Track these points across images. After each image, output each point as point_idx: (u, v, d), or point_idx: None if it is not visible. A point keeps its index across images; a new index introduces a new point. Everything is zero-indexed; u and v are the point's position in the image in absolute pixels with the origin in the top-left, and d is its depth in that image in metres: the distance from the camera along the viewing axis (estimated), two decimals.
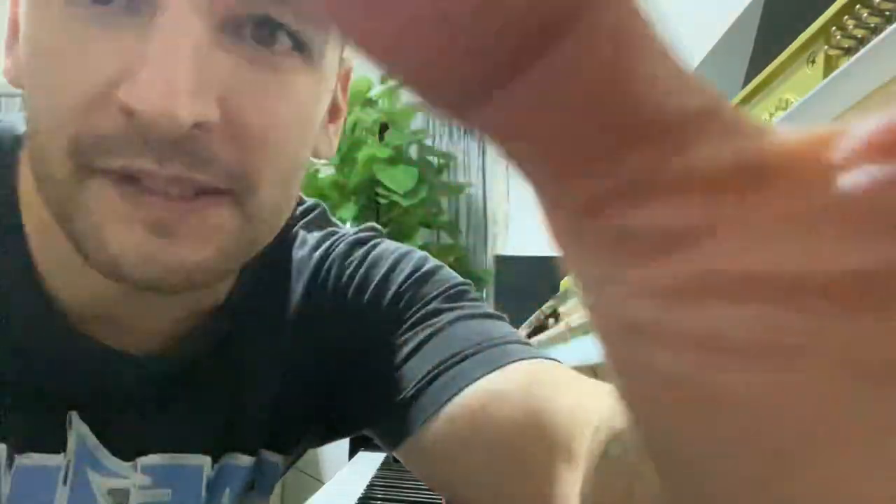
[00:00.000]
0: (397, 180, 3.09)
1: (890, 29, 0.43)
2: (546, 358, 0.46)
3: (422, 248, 2.90)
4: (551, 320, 1.53)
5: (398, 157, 3.25)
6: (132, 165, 0.34)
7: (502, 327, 0.49)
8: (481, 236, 3.97)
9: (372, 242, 0.54)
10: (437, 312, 0.49)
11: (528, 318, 1.64)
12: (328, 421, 0.55)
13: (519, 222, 2.89)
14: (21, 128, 0.44)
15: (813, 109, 0.53)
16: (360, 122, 3.26)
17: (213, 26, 0.34)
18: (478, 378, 0.44)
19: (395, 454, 0.50)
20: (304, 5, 0.35)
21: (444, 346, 0.47)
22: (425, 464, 0.48)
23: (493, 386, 0.44)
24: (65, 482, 0.44)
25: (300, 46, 0.37)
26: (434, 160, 3.61)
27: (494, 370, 0.44)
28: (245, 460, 0.51)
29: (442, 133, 4.07)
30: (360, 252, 0.53)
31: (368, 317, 0.51)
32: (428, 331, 0.48)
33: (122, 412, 0.46)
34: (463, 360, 0.46)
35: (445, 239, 3.66)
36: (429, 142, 3.87)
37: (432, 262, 0.53)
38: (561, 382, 0.42)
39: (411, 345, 0.48)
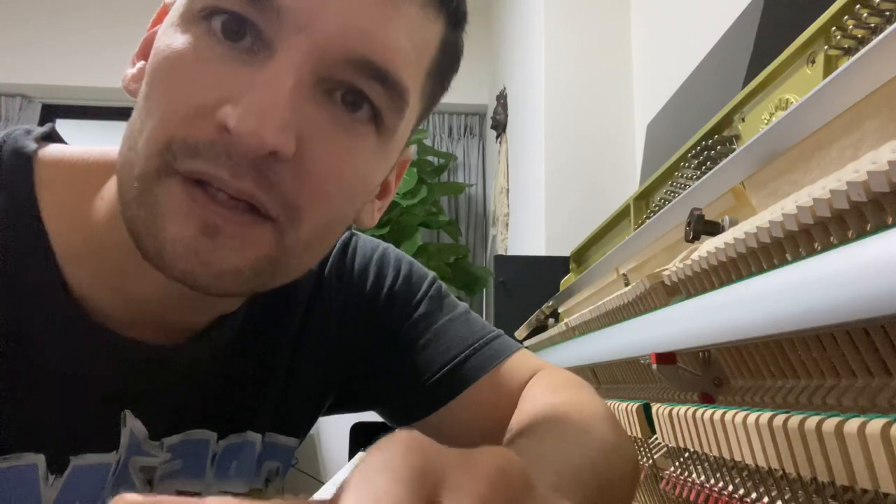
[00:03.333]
0: None
1: (890, 29, 0.43)
2: (519, 346, 0.63)
3: (422, 248, 2.90)
4: (551, 320, 1.53)
5: None
6: (210, 171, 0.39)
7: (480, 321, 0.64)
8: (481, 236, 3.97)
9: (352, 243, 0.64)
10: (432, 313, 0.62)
11: (527, 317, 1.64)
12: (339, 400, 0.64)
13: (519, 222, 2.89)
14: (30, 146, 0.48)
15: (813, 109, 0.53)
16: None
17: (312, 80, 0.40)
18: (487, 371, 0.59)
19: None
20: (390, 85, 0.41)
21: (450, 343, 0.60)
22: (434, 436, 0.56)
23: (497, 379, 0.59)
24: (114, 472, 0.48)
25: (377, 119, 0.43)
26: (434, 160, 3.61)
27: (498, 364, 0.60)
28: (250, 437, 0.57)
29: (442, 133, 4.07)
30: (349, 253, 0.63)
31: (371, 313, 0.62)
32: (432, 330, 0.61)
33: (159, 401, 0.51)
34: (471, 355, 0.60)
35: (445, 239, 3.66)
36: (428, 142, 3.87)
37: (406, 260, 0.65)
38: (531, 368, 0.61)
39: (421, 340, 0.60)
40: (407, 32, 0.42)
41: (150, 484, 0.51)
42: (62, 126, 4.42)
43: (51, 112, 3.95)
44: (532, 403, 0.55)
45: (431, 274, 0.66)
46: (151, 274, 0.41)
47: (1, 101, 3.82)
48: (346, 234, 0.64)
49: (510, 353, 0.61)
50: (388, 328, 0.62)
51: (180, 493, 0.53)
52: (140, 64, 0.45)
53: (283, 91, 0.38)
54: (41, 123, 0.55)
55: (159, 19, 0.45)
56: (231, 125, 0.38)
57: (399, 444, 0.24)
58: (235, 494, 0.55)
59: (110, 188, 0.46)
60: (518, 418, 0.54)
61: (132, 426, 0.49)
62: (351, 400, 0.65)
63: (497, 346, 0.62)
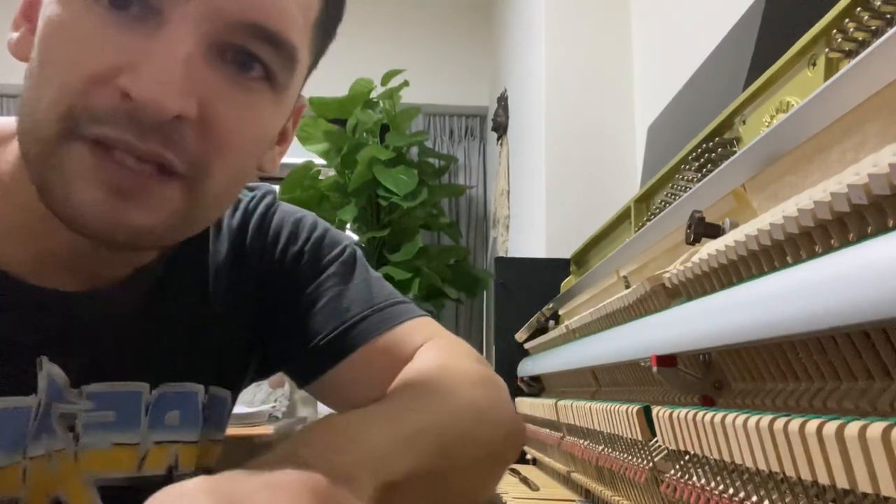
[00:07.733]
0: (398, 182, 3.08)
1: (891, 32, 0.43)
2: (423, 314, 0.63)
3: (422, 249, 2.90)
4: (552, 322, 1.53)
5: (399, 159, 3.25)
6: (115, 135, 0.41)
7: (388, 288, 0.64)
8: (481, 238, 3.97)
9: (272, 209, 0.66)
10: (339, 275, 0.63)
11: (528, 319, 1.64)
12: (262, 359, 0.66)
13: (519, 224, 2.89)
14: None
15: (814, 112, 0.53)
16: (361, 124, 3.25)
17: (204, 45, 0.43)
18: (380, 333, 0.59)
19: (303, 389, 0.64)
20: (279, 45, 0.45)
21: (350, 304, 0.61)
22: (328, 397, 0.61)
23: (389, 341, 0.59)
24: (35, 417, 0.50)
25: (269, 77, 0.46)
26: (435, 162, 3.61)
27: (392, 327, 0.60)
28: (190, 388, 0.59)
29: (443, 135, 4.07)
30: (269, 215, 0.65)
31: (280, 272, 0.64)
32: (334, 290, 0.62)
33: (78, 348, 0.52)
34: (368, 316, 0.60)
35: (446, 241, 3.66)
36: (429, 144, 3.87)
37: (322, 226, 0.66)
38: (427, 335, 0.60)
39: (322, 301, 0.61)
40: None
41: (71, 430, 0.52)
42: None
43: None
44: (409, 367, 0.57)
45: (348, 241, 0.67)
46: (59, 231, 0.44)
47: (1, 102, 3.82)
48: (270, 198, 0.66)
49: (408, 318, 0.62)
50: (294, 287, 0.63)
51: (116, 444, 0.55)
52: (24, 28, 0.47)
53: (179, 58, 0.41)
54: None
55: None
56: (133, 94, 0.40)
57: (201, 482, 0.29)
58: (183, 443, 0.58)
59: (12, 151, 0.48)
60: (395, 383, 0.55)
61: (49, 371, 0.50)
62: (269, 359, 0.66)
63: (396, 311, 0.62)
